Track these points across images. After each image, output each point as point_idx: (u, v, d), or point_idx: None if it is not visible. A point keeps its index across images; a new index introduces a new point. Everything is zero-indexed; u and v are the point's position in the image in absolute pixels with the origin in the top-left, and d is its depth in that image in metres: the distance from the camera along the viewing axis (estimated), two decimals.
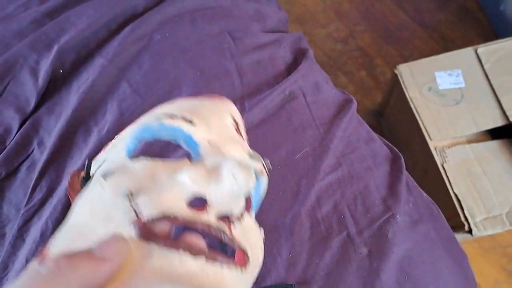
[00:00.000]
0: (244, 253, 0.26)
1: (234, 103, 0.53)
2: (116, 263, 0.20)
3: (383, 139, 0.55)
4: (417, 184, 0.51)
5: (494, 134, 0.90)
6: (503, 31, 1.20)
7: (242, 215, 0.28)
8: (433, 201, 0.51)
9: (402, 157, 0.52)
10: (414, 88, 0.92)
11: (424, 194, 0.51)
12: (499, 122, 0.88)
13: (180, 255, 0.22)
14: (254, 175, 0.28)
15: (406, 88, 0.92)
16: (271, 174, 0.48)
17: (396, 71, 0.95)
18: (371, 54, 1.25)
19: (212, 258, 0.23)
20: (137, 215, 0.24)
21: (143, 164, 0.27)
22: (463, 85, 0.91)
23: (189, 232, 0.24)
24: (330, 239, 0.45)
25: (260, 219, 0.46)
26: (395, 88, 0.98)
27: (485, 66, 0.92)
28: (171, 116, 0.29)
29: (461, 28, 1.26)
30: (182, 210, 0.25)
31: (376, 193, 0.47)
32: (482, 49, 0.94)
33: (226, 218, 0.27)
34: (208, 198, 0.26)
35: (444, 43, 1.24)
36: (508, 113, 0.87)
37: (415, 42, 1.24)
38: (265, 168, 0.31)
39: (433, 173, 0.88)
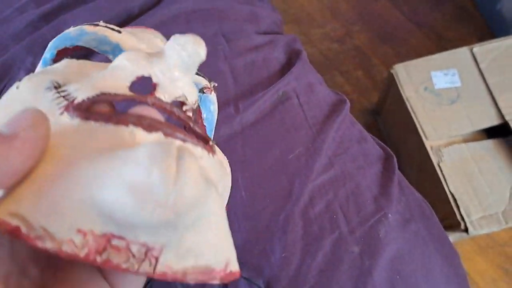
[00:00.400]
0: (207, 140, 0.22)
1: (228, 103, 0.54)
2: (36, 140, 0.15)
3: (376, 138, 0.55)
4: (409, 184, 0.52)
5: (489, 133, 0.91)
6: (499, 30, 1.20)
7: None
8: (425, 200, 0.51)
9: (394, 157, 0.52)
10: (410, 88, 0.93)
11: (416, 193, 0.51)
12: (494, 121, 0.88)
13: (131, 130, 0.18)
14: (203, 43, 0.23)
15: (402, 88, 0.93)
16: (264, 174, 0.49)
17: (392, 71, 0.95)
18: (368, 54, 1.25)
19: (171, 133, 0.18)
20: (67, 100, 0.19)
21: (66, 62, 0.22)
22: (459, 84, 0.92)
23: (139, 105, 0.19)
24: (323, 239, 0.45)
25: (253, 219, 0.47)
26: (391, 87, 0.99)
27: (481, 66, 0.92)
28: (94, 25, 0.24)
29: (457, 27, 1.26)
30: (125, 91, 0.20)
31: (368, 192, 0.48)
32: (478, 48, 0.94)
33: (179, 107, 0.22)
34: (154, 78, 0.21)
35: (441, 42, 1.24)
36: (503, 112, 0.88)
37: (412, 41, 1.25)
38: (210, 85, 0.26)
39: (429, 172, 0.89)
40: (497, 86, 0.90)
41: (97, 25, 0.25)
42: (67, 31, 0.25)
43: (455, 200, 0.83)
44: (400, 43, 1.25)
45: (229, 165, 0.25)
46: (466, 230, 0.82)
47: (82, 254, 0.15)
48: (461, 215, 0.82)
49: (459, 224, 0.83)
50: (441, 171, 0.86)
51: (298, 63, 0.57)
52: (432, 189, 0.89)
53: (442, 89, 0.92)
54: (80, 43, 0.24)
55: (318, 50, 1.26)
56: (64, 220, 0.15)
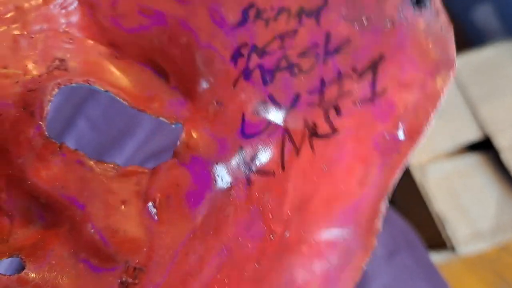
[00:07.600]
0: None
1: None
2: None
3: None
4: (392, 211, 0.49)
5: (471, 147, 0.90)
6: (474, 40, 1.21)
7: None
8: (409, 227, 0.49)
9: None
10: None
11: (400, 220, 0.49)
12: (476, 135, 0.88)
13: None
14: None
15: None
16: None
17: None
18: None
19: None
20: None
21: None
22: None
23: None
24: None
25: None
26: None
27: (460, 79, 0.92)
28: None
29: None
30: None
31: None
32: (456, 61, 0.94)
33: None
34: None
35: None
36: (484, 125, 0.87)
37: None
38: None
39: (413, 190, 0.87)
40: (477, 99, 0.90)
41: None
42: None
43: (440, 218, 0.82)
44: None
45: None
46: (453, 248, 0.81)
47: None
48: (447, 233, 0.81)
49: (445, 243, 0.81)
50: (425, 189, 0.84)
51: None
52: (417, 208, 0.88)
53: None
54: None
55: None
56: None
